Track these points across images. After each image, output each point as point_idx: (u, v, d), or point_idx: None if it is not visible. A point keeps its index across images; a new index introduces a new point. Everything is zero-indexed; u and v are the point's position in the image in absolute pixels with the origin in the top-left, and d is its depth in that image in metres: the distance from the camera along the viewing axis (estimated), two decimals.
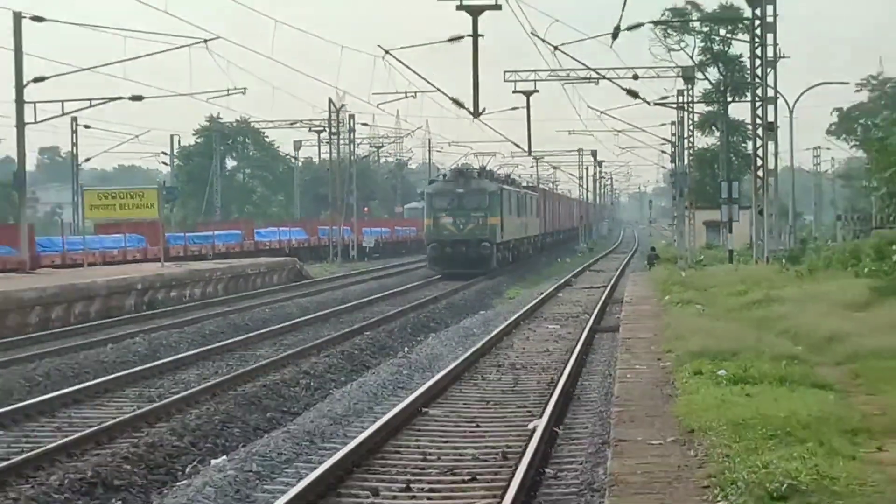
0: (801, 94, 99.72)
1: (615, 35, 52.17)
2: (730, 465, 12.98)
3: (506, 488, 15.04)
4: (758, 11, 54.22)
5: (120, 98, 64.07)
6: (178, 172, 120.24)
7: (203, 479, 17.04)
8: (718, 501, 11.66)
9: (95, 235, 72.83)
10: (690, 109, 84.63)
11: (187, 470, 18.34)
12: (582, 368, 27.30)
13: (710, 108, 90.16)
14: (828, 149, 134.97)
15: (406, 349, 33.54)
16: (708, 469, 13.07)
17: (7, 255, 55.72)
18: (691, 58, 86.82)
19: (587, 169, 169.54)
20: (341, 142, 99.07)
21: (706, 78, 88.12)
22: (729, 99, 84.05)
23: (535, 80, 70.39)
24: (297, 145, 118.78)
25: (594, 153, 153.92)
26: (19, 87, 53.61)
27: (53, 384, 26.47)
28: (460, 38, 49.70)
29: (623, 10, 48.46)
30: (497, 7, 48.36)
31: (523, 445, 17.89)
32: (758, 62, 56.55)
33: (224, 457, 18.88)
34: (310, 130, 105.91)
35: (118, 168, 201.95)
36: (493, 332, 34.69)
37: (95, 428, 20.45)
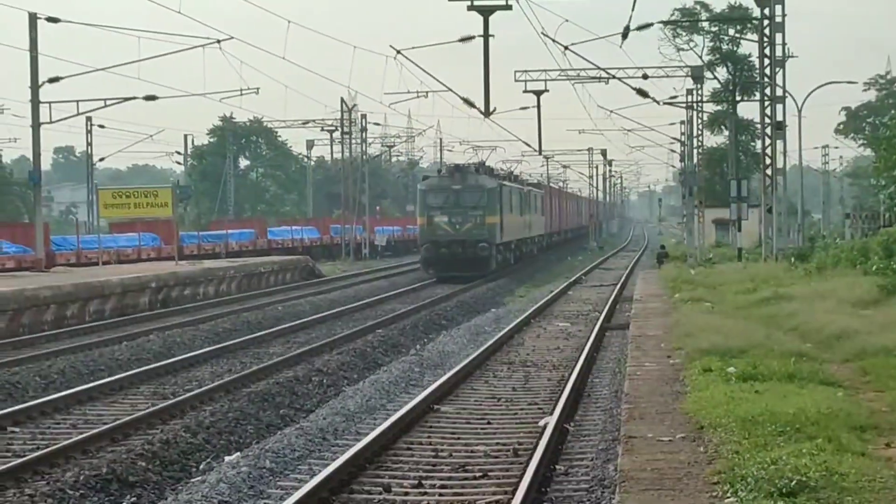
0: (810, 93, 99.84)
1: (625, 35, 52.28)
2: (739, 462, 12.97)
3: (517, 485, 15.04)
4: (766, 11, 54.09)
5: (134, 98, 64.08)
6: (192, 171, 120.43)
7: (217, 476, 17.06)
8: (728, 498, 11.65)
9: (110, 234, 73.18)
10: (699, 109, 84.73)
11: (201, 467, 18.35)
12: (592, 366, 27.30)
13: (718, 108, 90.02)
14: (836, 147, 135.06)
15: (418, 347, 33.54)
16: (717, 465, 13.07)
17: (23, 253, 55.93)
18: (700, 57, 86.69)
19: (597, 168, 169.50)
20: (353, 141, 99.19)
21: (715, 77, 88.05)
22: (738, 98, 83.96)
23: (545, 80, 70.55)
24: (310, 144, 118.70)
25: (604, 152, 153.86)
26: (35, 88, 53.72)
27: (69, 381, 26.50)
28: (471, 38, 49.78)
29: (633, 10, 48.49)
30: (508, 7, 48.47)
31: (534, 442, 17.88)
32: (766, 61, 56.45)
33: (238, 453, 18.89)
34: (322, 130, 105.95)
35: (132, 167, 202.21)
36: (504, 330, 34.73)
37: (110, 425, 20.47)
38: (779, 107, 55.75)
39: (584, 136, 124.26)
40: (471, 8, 47.94)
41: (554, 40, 54.72)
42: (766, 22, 55.08)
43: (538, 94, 70.40)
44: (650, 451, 14.20)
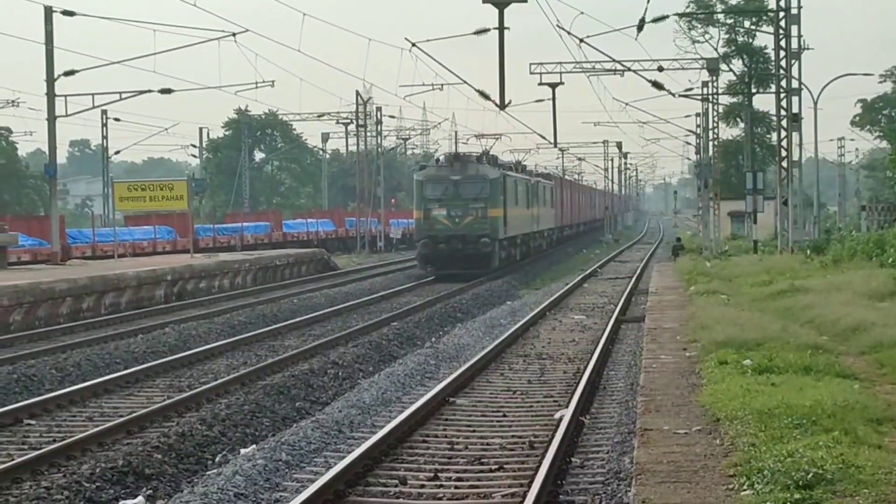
0: (826, 85, 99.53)
1: (640, 27, 52.33)
2: (755, 454, 12.96)
3: (533, 477, 15.06)
4: (782, 3, 54.05)
5: (149, 91, 64.28)
6: (207, 164, 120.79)
7: (233, 468, 17.08)
8: (744, 490, 11.65)
9: (125, 227, 73.21)
10: (715, 101, 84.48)
11: (217, 459, 18.38)
12: (608, 358, 27.32)
13: (734, 100, 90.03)
14: (852, 140, 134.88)
15: (433, 339, 33.54)
16: (733, 458, 13.06)
17: (38, 246, 56.04)
18: (716, 49, 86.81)
19: (612, 160, 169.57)
20: (368, 134, 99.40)
21: (731, 69, 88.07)
22: (753, 90, 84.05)
23: (560, 73, 70.48)
24: (325, 137, 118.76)
25: (619, 144, 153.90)
26: (50, 81, 53.85)
27: (84, 374, 26.57)
28: (486, 30, 49.76)
29: (648, 2, 48.59)
30: (523, 0, 48.55)
31: (550, 434, 17.91)
32: (782, 54, 56.41)
33: (254, 446, 18.91)
34: (337, 123, 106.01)
35: (148, 160, 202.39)
36: (520, 323, 34.75)
37: (126, 417, 20.52)
38: (794, 99, 55.72)
39: (599, 129, 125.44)
40: (486, 1, 48.09)
41: (569, 33, 54.76)
42: (781, 14, 55.04)
43: (553, 86, 70.44)
44: (666, 443, 14.21)
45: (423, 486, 15.71)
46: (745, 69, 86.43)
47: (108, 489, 16.09)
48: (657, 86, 65.47)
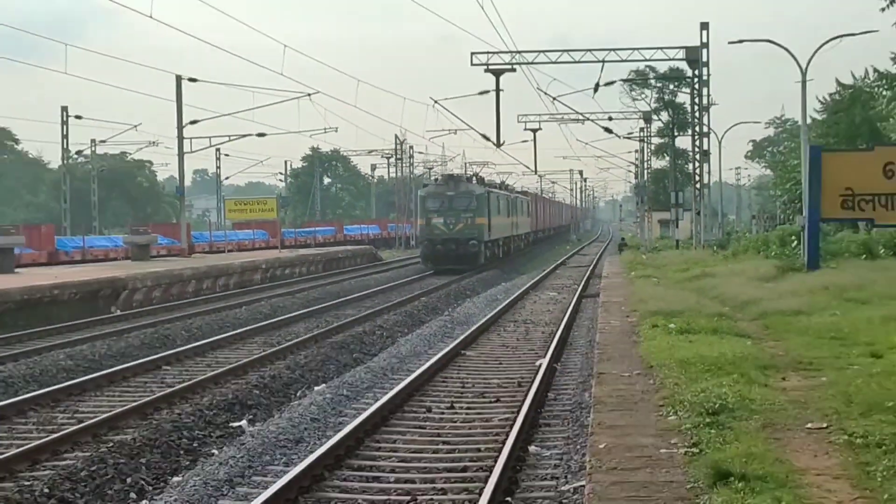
0: (727, 130, 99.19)
1: (596, 89, 52.56)
2: (678, 391, 12.95)
3: (520, 406, 15.07)
4: (696, 72, 53.96)
5: (249, 135, 64.62)
6: (290, 187, 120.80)
7: (310, 400, 17.15)
8: (670, 416, 11.63)
9: (233, 231, 73.36)
10: (648, 141, 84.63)
11: (298, 394, 18.41)
12: (573, 323, 27.25)
13: (662, 140, 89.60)
14: (745, 168, 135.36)
15: (450, 310, 33.50)
16: (663, 393, 13.04)
17: (171, 244, 56.32)
18: (649, 105, 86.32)
19: (576, 182, 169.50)
20: (403, 165, 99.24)
21: (659, 119, 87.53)
22: (676, 134, 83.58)
23: (539, 121, 70.91)
24: (373, 167, 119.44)
25: (581, 171, 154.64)
26: (180, 127, 54.14)
27: (204, 334, 26.62)
28: (487, 91, 49.93)
29: (601, 72, 48.82)
30: (512, 70, 48.94)
31: (532, 377, 17.90)
32: (696, 108, 56.39)
33: (324, 385, 18.95)
34: (381, 157, 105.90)
35: (248, 184, 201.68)
36: (510, 298, 34.71)
37: (234, 364, 20.56)
38: (705, 139, 55.67)
39: (566, 161, 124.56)
40: (486, 70, 48.34)
41: (545, 93, 54.93)
42: (696, 80, 54.95)
43: (534, 131, 70.75)
44: (615, 383, 14.19)
45: (443, 413, 15.74)
46: (670, 119, 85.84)
47: (222, 415, 16.17)
48: (608, 130, 65.74)
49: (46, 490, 11.72)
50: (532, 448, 13.17)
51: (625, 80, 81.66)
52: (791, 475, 9.01)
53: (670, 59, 55.76)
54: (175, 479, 12.77)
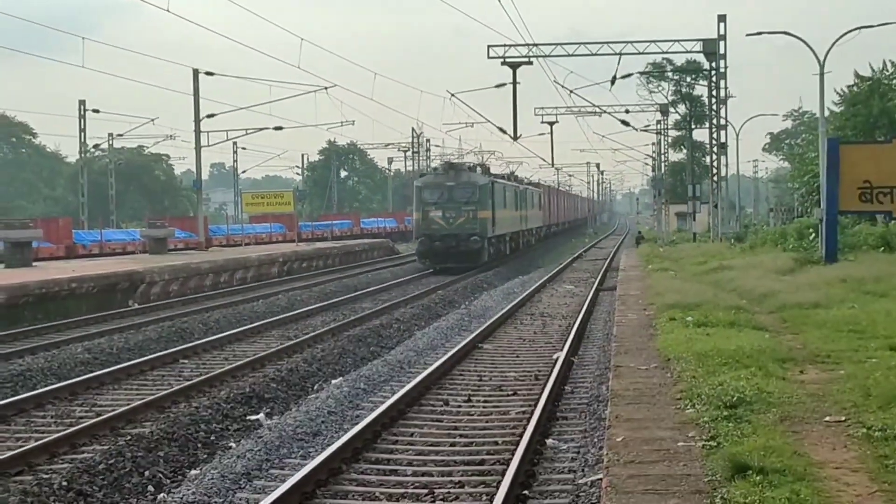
0: (745, 122, 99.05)
1: (613, 82, 52.38)
2: (695, 384, 12.92)
3: (538, 400, 15.10)
4: (713, 65, 53.87)
5: (266, 128, 64.74)
6: (307, 180, 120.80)
7: (326, 394, 17.20)
8: (688, 409, 11.61)
9: (250, 224, 73.55)
10: (666, 134, 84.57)
11: (315, 387, 18.44)
12: (590, 316, 27.26)
13: (679, 133, 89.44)
14: (763, 161, 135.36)
15: (466, 303, 33.50)
16: (680, 386, 13.02)
17: (189, 238, 56.54)
18: (666, 97, 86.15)
19: (593, 176, 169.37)
20: (420, 158, 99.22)
21: (677, 112, 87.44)
22: (693, 126, 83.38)
23: (556, 114, 70.61)
24: (390, 160, 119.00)
25: (598, 165, 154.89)
26: (197, 121, 54.15)
27: (222, 327, 26.69)
28: (504, 84, 50.03)
29: (618, 64, 48.61)
30: (529, 62, 48.98)
31: (549, 370, 17.92)
32: (713, 100, 56.29)
33: (341, 378, 18.97)
34: (398, 150, 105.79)
35: (265, 177, 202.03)
36: (527, 292, 34.71)
37: (251, 358, 20.61)
38: (722, 132, 55.66)
39: (584, 154, 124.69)
40: (503, 63, 48.38)
41: (563, 86, 54.87)
42: (713, 73, 54.85)
43: (551, 124, 70.47)
44: (632, 376, 14.17)
45: (460, 406, 15.78)
46: (687, 111, 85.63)
47: (239, 408, 16.22)
48: (625, 123, 65.67)
49: (65, 483, 11.77)
50: (549, 441, 13.18)
51: (642, 73, 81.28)
52: (809, 468, 8.99)
53: (687, 52, 55.78)
54: (193, 472, 12.81)
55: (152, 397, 16.44)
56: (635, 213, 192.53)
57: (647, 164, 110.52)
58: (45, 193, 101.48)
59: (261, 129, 65.67)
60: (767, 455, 9.24)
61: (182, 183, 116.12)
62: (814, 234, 38.11)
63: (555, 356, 19.63)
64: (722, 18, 52.19)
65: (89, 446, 13.62)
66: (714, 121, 57.43)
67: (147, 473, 12.61)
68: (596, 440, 12.61)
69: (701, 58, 57.91)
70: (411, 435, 13.94)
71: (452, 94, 51.66)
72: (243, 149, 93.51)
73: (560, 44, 51.45)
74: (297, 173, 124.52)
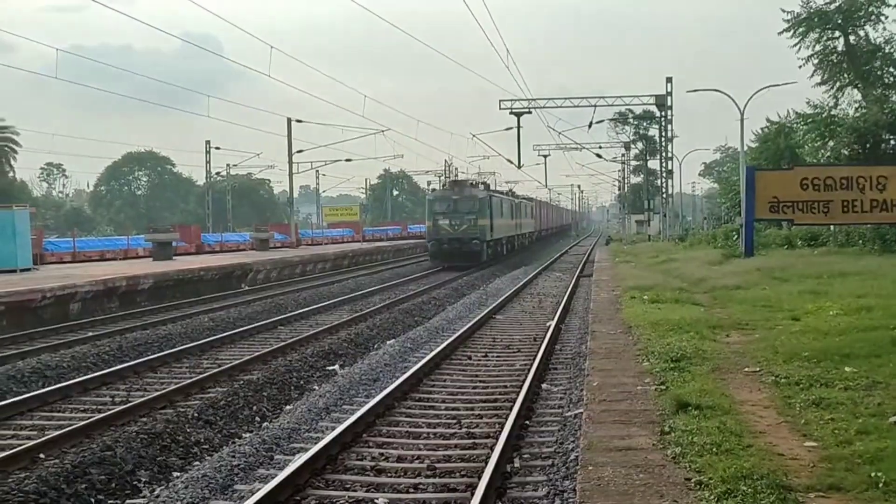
0: (686, 155, 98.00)
1: (590, 126, 52.29)
2: (650, 344, 12.89)
3: (536, 354, 15.06)
4: (663, 113, 53.71)
5: (339, 160, 64.84)
6: (369, 197, 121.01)
7: (384, 350, 17.22)
8: (644, 362, 11.59)
9: (328, 229, 73.76)
10: (628, 164, 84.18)
11: (376, 346, 18.46)
12: (574, 295, 27.15)
13: (638, 163, 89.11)
14: (699, 183, 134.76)
15: (484, 286, 33.41)
16: (639, 346, 12.99)
17: (284, 239, 56.71)
18: (628, 137, 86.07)
19: (576, 193, 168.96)
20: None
21: (636, 147, 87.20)
22: (648, 158, 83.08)
23: (548, 149, 70.41)
24: (428, 183, 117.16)
25: (579, 186, 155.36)
26: (290, 155, 54.40)
27: (308, 303, 26.67)
28: (511, 128, 50.04)
29: (594, 113, 48.48)
30: (529, 112, 48.87)
31: (544, 334, 17.86)
32: (663, 139, 56.12)
33: (394, 339, 18.98)
34: (434, 175, 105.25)
35: (339, 195, 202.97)
36: (528, 277, 34.62)
37: (329, 325, 20.64)
38: (669, 162, 55.55)
39: (569, 178, 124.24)
40: (511, 112, 48.41)
41: (553, 129, 55.21)
42: (662, 119, 54.69)
43: (545, 157, 70.66)
44: (604, 338, 14.14)
45: (479, 360, 15.75)
46: (644, 147, 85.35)
47: (320, 361, 16.23)
48: (598, 156, 65.60)
49: (196, 414, 11.86)
50: (544, 385, 13.15)
51: (611, 119, 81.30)
52: (733, 405, 8.96)
53: (644, 104, 55.69)
54: (287, 407, 12.86)
55: (258, 353, 16.49)
56: (606, 220, 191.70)
57: (614, 185, 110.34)
58: (181, 207, 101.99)
59: (335, 161, 65.90)
60: (702, 396, 9.22)
61: (279, 199, 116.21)
62: (736, 236, 37.88)
63: (548, 324, 19.59)
64: (669, 80, 52.12)
65: (213, 388, 13.69)
66: (663, 154, 57.31)
67: (255, 408, 12.67)
68: (578, 385, 12.57)
69: (654, 108, 57.69)
70: (444, 381, 13.94)
71: (474, 135, 52.45)
72: (323, 175, 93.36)
73: (551, 98, 51.72)
74: (362, 192, 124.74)
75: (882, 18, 42.47)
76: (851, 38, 43.06)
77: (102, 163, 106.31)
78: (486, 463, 8.79)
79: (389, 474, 9.04)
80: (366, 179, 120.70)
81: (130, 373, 15.11)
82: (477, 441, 10.21)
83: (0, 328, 20.24)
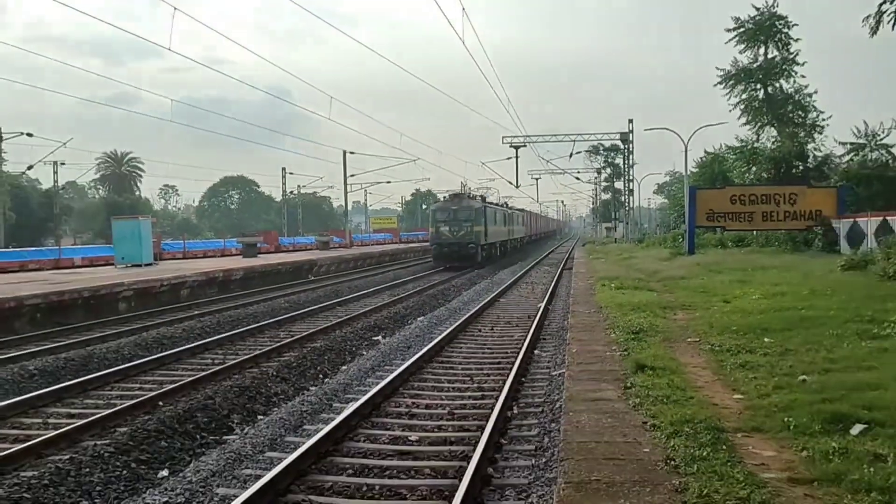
0: (643, 177, 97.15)
1: (570, 156, 52.20)
2: (616, 320, 12.81)
3: (529, 327, 14.99)
4: (626, 146, 53.37)
5: (381, 182, 65.48)
6: (404, 211, 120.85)
7: (415, 325, 17.15)
8: (612, 335, 11.51)
9: (373, 234, 73.76)
10: (600, 184, 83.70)
11: (409, 322, 18.40)
12: (558, 283, 27.01)
13: (607, 184, 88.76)
14: (653, 199, 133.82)
15: (491, 277, 33.23)
16: (608, 322, 12.91)
17: (341, 242, 56.76)
18: (600, 164, 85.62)
19: (560, 207, 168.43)
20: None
21: (606, 171, 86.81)
22: (615, 180, 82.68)
23: (540, 173, 70.23)
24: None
25: (563, 201, 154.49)
26: (345, 178, 54.51)
27: (359, 289, 26.61)
28: (511, 157, 49.84)
29: (574, 146, 48.12)
30: (525, 145, 48.52)
31: (536, 312, 17.78)
32: (626, 166, 55.73)
33: (423, 317, 18.93)
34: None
35: (381, 208, 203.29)
36: (523, 271, 34.49)
37: (374, 306, 20.58)
38: (631, 183, 55.14)
39: (555, 195, 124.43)
40: (511, 146, 48.19)
41: (543, 157, 54.73)
42: (626, 150, 54.35)
43: (537, 179, 70.47)
44: (581, 316, 14.07)
45: (487, 332, 15.63)
46: (612, 172, 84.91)
47: (368, 333, 16.20)
48: (577, 178, 65.25)
49: (274, 373, 11.90)
50: (536, 351, 13.10)
51: (587, 151, 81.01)
52: (679, 367, 8.90)
53: (611, 139, 55.46)
54: (343, 367, 12.88)
55: (321, 327, 16.47)
56: (583, 228, 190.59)
57: (590, 200, 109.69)
58: (263, 218, 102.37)
59: (378, 183, 66.36)
60: (656, 359, 9.16)
61: (337, 212, 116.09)
62: (681, 239, 37.61)
63: (538, 305, 19.51)
64: (631, 121, 52.02)
65: (288, 353, 13.72)
66: (626, 177, 56.90)
67: (318, 368, 12.69)
68: (561, 351, 12.53)
69: (619, 142, 57.37)
70: (461, 348, 13.90)
71: (483, 163, 52.36)
72: (370, 193, 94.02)
73: (541, 135, 51.82)
74: (399, 206, 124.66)
75: (793, 73, 42.43)
76: (769, 89, 42.81)
77: (205, 185, 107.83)
78: (492, 410, 8.78)
79: (419, 418, 9.05)
80: (401, 197, 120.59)
81: (226, 341, 15.18)
82: (485, 393, 10.19)
83: (130, 308, 20.42)
